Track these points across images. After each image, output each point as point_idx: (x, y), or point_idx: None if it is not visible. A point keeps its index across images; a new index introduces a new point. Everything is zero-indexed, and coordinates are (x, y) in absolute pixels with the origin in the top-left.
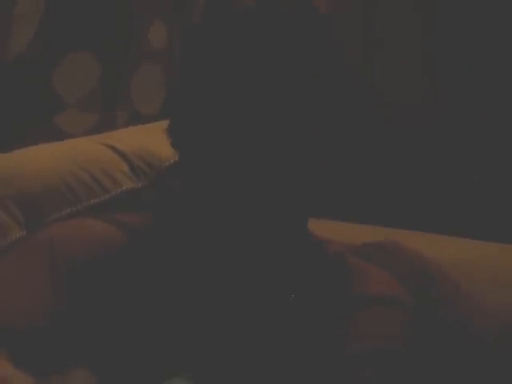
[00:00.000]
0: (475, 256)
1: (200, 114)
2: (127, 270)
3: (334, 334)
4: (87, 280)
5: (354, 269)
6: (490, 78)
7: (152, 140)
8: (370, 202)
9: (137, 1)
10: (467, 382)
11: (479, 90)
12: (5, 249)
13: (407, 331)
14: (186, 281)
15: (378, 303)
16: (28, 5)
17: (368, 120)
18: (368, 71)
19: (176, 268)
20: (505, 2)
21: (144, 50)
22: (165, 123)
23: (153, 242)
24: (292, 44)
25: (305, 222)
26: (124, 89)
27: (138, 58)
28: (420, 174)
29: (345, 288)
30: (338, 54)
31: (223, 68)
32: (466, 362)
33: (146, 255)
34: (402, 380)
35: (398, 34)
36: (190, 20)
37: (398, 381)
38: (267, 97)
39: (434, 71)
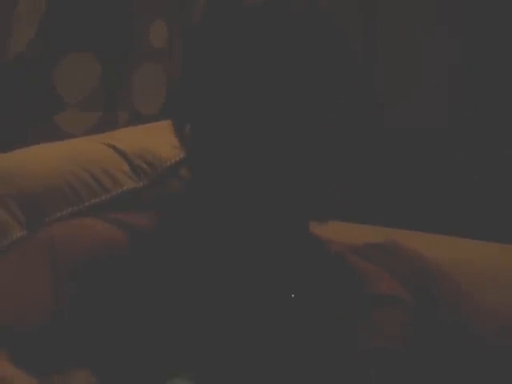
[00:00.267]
0: (475, 256)
1: (200, 115)
2: (128, 270)
3: (334, 334)
4: (88, 280)
5: (354, 269)
6: (490, 78)
7: (152, 140)
8: (371, 202)
9: (137, 0)
10: (467, 382)
11: (479, 89)
12: (5, 248)
13: (407, 331)
14: (187, 280)
15: (378, 303)
16: (28, 5)
17: (368, 120)
18: (368, 71)
19: (177, 268)
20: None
21: (144, 49)
22: (165, 123)
23: (154, 242)
24: (295, 46)
25: (306, 221)
26: (124, 89)
27: (139, 57)
28: (420, 175)
29: (345, 288)
30: (346, 55)
31: (224, 68)
32: (465, 362)
33: (147, 255)
34: (401, 380)
35: (398, 33)
36: (191, 20)
37: (397, 380)
38: (270, 97)
39: (433, 71)
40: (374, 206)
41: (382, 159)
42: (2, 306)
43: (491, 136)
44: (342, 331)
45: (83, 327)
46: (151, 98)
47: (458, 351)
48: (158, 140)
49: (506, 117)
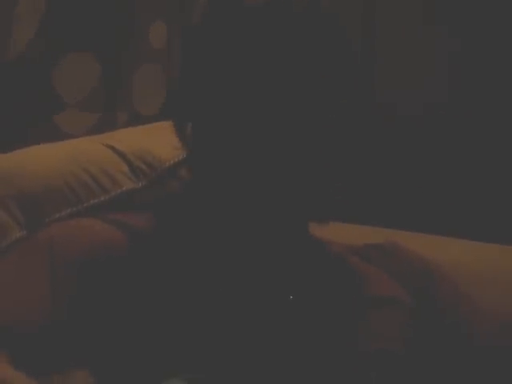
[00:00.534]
0: (475, 257)
1: (201, 115)
2: (127, 271)
3: (334, 335)
4: (87, 280)
5: (354, 270)
6: (490, 78)
7: (152, 140)
8: (371, 203)
9: (137, 1)
10: (466, 383)
11: (479, 89)
12: (5, 249)
13: (406, 332)
14: (186, 281)
15: (377, 304)
16: (28, 5)
17: (368, 120)
18: (368, 71)
19: (176, 269)
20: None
21: (144, 50)
22: (165, 124)
23: (153, 243)
24: (296, 46)
25: (306, 223)
26: (124, 89)
27: (138, 58)
28: (420, 175)
29: (346, 289)
30: (347, 55)
31: (225, 68)
32: (464, 364)
33: (146, 255)
34: (401, 381)
35: (398, 32)
36: (191, 20)
37: (397, 382)
38: (271, 97)
39: (433, 71)
40: (374, 207)
41: (382, 160)
42: (2, 306)
43: (491, 136)
44: (342, 332)
45: (82, 327)
46: (151, 98)
47: (457, 352)
48: (158, 141)
49: (506, 117)
